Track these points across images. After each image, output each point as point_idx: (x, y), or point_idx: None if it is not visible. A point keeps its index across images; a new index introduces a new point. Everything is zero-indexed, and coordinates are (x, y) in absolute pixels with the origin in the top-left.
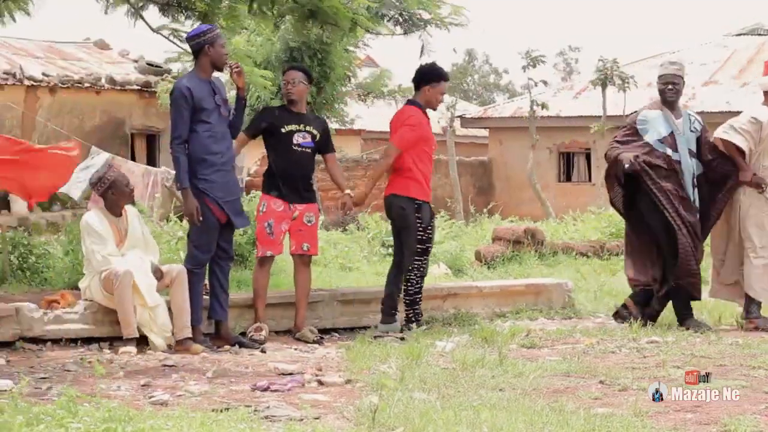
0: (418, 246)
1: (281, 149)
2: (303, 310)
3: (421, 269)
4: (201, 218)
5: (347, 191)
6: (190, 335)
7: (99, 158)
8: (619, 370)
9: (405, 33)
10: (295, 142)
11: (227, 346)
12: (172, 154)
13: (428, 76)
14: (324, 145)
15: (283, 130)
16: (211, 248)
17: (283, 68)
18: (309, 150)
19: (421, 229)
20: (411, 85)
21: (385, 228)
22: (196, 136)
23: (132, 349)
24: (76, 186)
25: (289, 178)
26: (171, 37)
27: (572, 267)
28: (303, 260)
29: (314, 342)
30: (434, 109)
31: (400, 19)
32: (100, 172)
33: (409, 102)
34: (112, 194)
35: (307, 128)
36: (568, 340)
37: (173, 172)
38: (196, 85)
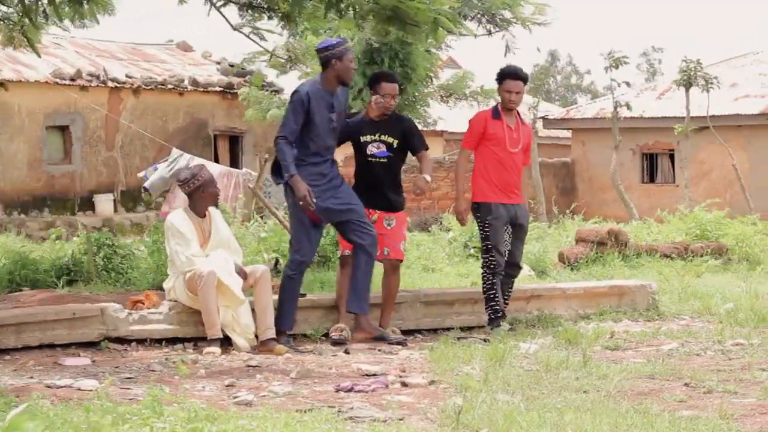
0: (482, 245)
1: (359, 158)
2: (388, 312)
3: (490, 266)
4: (314, 200)
5: (425, 175)
6: (274, 336)
7: (182, 160)
8: (704, 372)
9: (488, 33)
10: (369, 152)
11: (361, 340)
12: (276, 147)
13: (497, 78)
14: (411, 146)
15: (360, 140)
16: (309, 252)
17: (372, 75)
18: (384, 159)
19: (480, 228)
20: (493, 86)
21: (471, 229)
22: (301, 143)
23: (216, 349)
24: (156, 183)
25: (367, 186)
26: (251, 36)
27: (656, 268)
28: (391, 264)
29: (397, 343)
30: (507, 108)
31: (483, 20)
32: (193, 170)
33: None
34: (201, 194)
35: (382, 137)
36: (653, 342)
37: (254, 173)
38: (316, 93)
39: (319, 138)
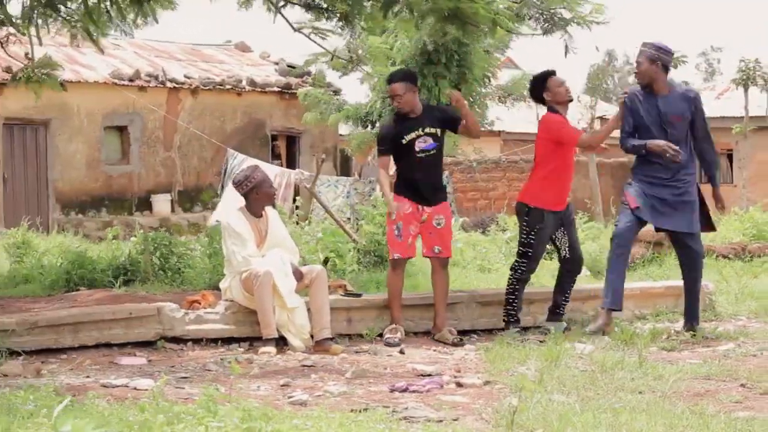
0: (519, 248)
1: (406, 158)
2: (442, 311)
3: (521, 272)
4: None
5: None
6: (330, 335)
7: (236, 160)
8: (761, 373)
9: (545, 33)
10: (417, 149)
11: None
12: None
13: (536, 89)
14: (452, 123)
15: (404, 141)
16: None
17: (389, 79)
18: (433, 152)
19: (524, 232)
20: None
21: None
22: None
23: (272, 349)
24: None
25: (419, 185)
26: (312, 36)
27: (713, 269)
28: (440, 262)
29: (453, 344)
30: (569, 100)
31: (541, 19)
32: (247, 171)
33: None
34: (256, 195)
35: (426, 130)
36: (709, 343)
37: (307, 173)
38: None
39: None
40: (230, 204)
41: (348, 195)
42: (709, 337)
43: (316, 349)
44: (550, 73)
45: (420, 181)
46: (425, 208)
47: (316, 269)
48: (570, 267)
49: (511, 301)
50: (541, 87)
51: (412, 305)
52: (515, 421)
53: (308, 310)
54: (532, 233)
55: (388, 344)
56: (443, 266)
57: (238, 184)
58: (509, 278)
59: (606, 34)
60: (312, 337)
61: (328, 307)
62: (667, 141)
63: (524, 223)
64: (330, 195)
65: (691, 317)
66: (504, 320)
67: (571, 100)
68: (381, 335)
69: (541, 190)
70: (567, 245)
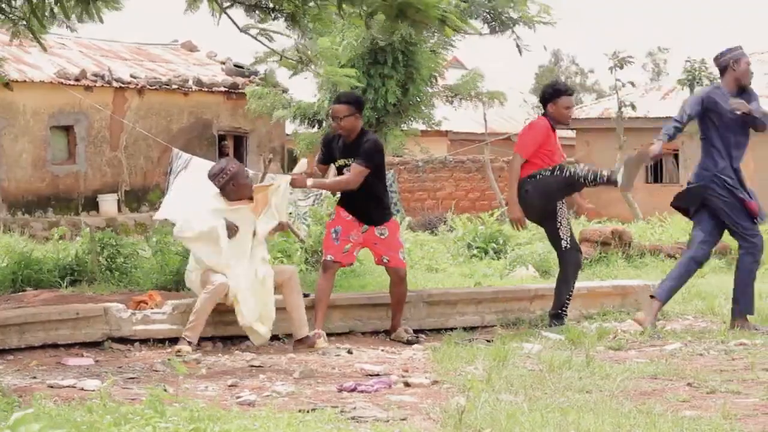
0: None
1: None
2: (398, 316)
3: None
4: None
5: (313, 180)
6: (308, 333)
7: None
8: (708, 372)
9: (492, 32)
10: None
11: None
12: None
13: (548, 95)
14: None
15: (336, 164)
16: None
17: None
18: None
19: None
20: (497, 88)
21: (474, 229)
22: (717, 140)
23: (187, 349)
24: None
25: (356, 206)
26: (259, 37)
27: (660, 269)
28: (398, 275)
29: (408, 342)
30: (566, 123)
31: (489, 18)
32: (221, 164)
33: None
34: (233, 186)
35: (350, 161)
36: (656, 343)
37: (253, 172)
38: (717, 95)
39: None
40: (173, 202)
41: (292, 192)
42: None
43: (298, 348)
44: (567, 91)
45: (357, 205)
46: (362, 223)
47: (288, 270)
48: (574, 258)
49: (569, 296)
50: (552, 97)
51: (360, 305)
52: (463, 420)
53: (284, 309)
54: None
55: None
56: (400, 280)
57: (213, 177)
58: (561, 271)
59: (553, 34)
60: (290, 336)
61: (303, 306)
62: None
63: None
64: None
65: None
66: (562, 314)
67: (567, 125)
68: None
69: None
70: (567, 234)
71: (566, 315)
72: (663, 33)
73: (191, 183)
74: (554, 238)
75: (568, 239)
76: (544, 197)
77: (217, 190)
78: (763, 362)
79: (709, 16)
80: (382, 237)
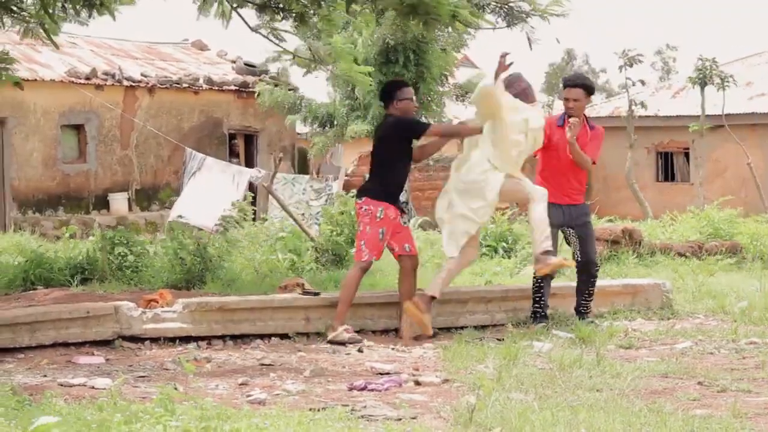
0: None
1: (405, 159)
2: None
3: None
4: None
5: None
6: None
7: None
8: (718, 371)
9: (508, 25)
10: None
11: None
12: None
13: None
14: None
15: (413, 144)
16: None
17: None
18: None
19: None
20: None
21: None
22: None
23: None
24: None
25: (401, 187)
26: (270, 37)
27: (670, 267)
28: (412, 263)
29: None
30: (568, 115)
31: (501, 12)
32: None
33: None
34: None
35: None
36: (666, 341)
37: (264, 171)
38: None
39: None
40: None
41: (304, 192)
42: None
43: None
44: (566, 82)
45: (404, 182)
46: (397, 210)
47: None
48: (579, 269)
49: (537, 298)
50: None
51: (371, 303)
52: (473, 419)
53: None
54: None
55: (352, 342)
56: (415, 267)
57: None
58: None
59: (566, 33)
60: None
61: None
62: None
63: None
64: (287, 193)
65: None
66: (531, 316)
67: (571, 116)
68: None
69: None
70: (579, 248)
71: (541, 315)
72: (671, 31)
73: (204, 183)
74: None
75: (578, 253)
76: None
77: None
78: None
79: (717, 14)
80: (405, 225)
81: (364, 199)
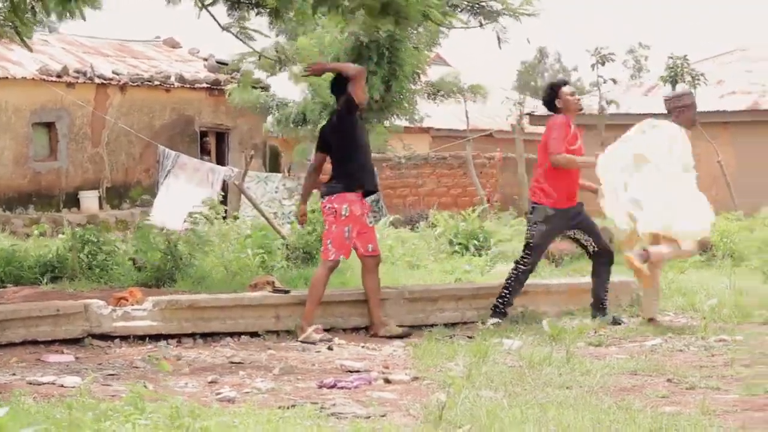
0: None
1: (363, 141)
2: (379, 308)
3: (521, 264)
4: None
5: None
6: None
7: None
8: (687, 368)
9: (480, 25)
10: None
11: None
12: None
13: (548, 94)
14: None
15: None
16: None
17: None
18: None
19: (528, 226)
20: (478, 82)
21: (456, 225)
22: None
23: None
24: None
25: (367, 170)
26: (240, 35)
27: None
28: (375, 262)
29: (400, 336)
30: (579, 109)
31: (473, 11)
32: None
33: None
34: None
35: None
36: (636, 339)
37: (236, 170)
38: None
39: None
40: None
41: (277, 191)
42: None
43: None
44: (561, 83)
45: (371, 169)
46: (365, 206)
47: None
48: (603, 258)
49: (504, 294)
50: (553, 94)
51: (341, 301)
52: (443, 417)
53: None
54: (533, 227)
55: (323, 342)
56: (377, 265)
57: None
58: (510, 271)
59: (537, 32)
60: None
61: None
62: None
63: (528, 218)
64: (259, 192)
65: None
66: (491, 309)
67: (581, 110)
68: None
69: (543, 188)
70: (591, 240)
71: (606, 306)
72: (644, 30)
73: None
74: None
75: (591, 244)
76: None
77: None
78: (742, 358)
79: (689, 13)
80: (371, 225)
81: (327, 198)
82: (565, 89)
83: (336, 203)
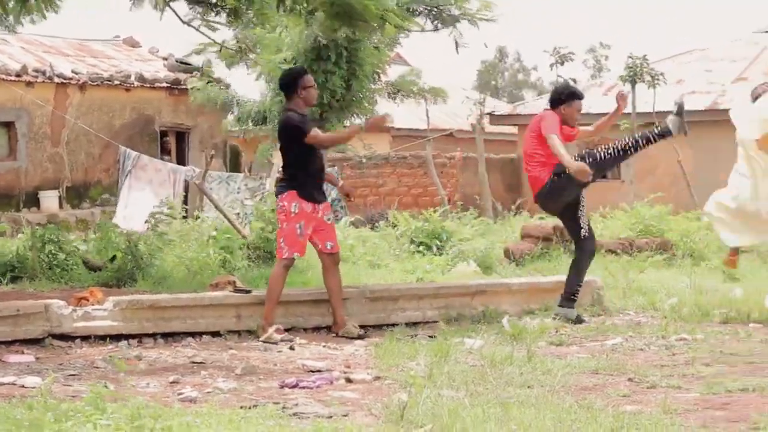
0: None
1: (310, 154)
2: (341, 307)
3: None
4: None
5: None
6: None
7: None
8: (648, 367)
9: (436, 29)
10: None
11: None
12: None
13: (564, 96)
14: None
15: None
16: None
17: (294, 71)
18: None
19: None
20: (439, 82)
21: (414, 225)
22: None
23: None
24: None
25: (317, 181)
26: (202, 28)
27: (601, 264)
28: (333, 260)
29: (359, 337)
30: (572, 126)
31: (431, 15)
32: None
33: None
34: None
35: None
36: (597, 338)
37: (198, 170)
38: None
39: None
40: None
41: (239, 191)
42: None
43: None
44: (581, 95)
45: (320, 177)
46: (318, 205)
47: None
48: (589, 248)
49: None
50: (568, 98)
51: (302, 301)
52: (405, 416)
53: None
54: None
55: (284, 342)
56: (336, 263)
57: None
58: (578, 258)
59: (497, 31)
60: None
61: None
62: None
63: (555, 195)
64: (222, 192)
65: None
66: (572, 299)
67: (573, 127)
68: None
69: (541, 163)
70: (587, 223)
71: (576, 300)
72: (604, 30)
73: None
74: (574, 226)
75: (587, 227)
76: (572, 184)
77: None
78: (702, 357)
79: (650, 13)
80: (329, 222)
81: (279, 196)
82: (578, 104)
83: (286, 201)
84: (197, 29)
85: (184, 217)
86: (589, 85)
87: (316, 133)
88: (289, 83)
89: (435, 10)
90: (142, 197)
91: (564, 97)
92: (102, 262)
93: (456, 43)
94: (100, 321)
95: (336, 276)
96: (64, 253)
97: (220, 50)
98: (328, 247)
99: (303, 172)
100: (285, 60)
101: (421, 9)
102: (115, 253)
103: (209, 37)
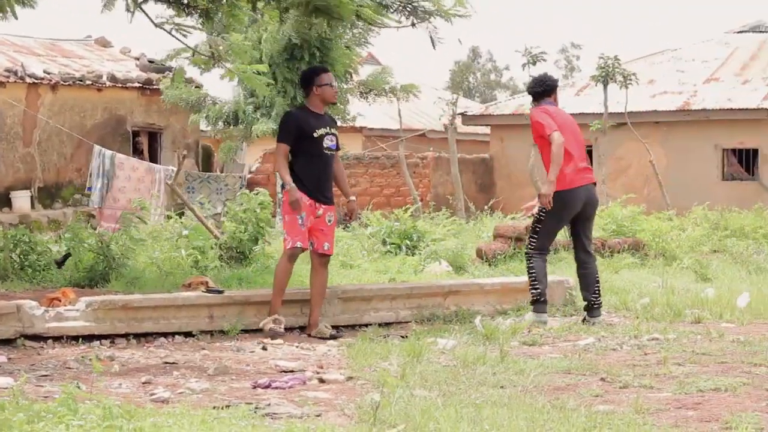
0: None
1: (311, 154)
2: (318, 309)
3: (528, 247)
4: None
5: (352, 197)
6: None
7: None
8: (621, 367)
9: (412, 25)
10: (325, 145)
11: None
12: None
13: (548, 87)
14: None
15: (315, 135)
16: None
17: (309, 70)
18: (335, 152)
19: (539, 210)
20: (411, 82)
21: (386, 225)
22: None
23: None
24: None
25: (322, 182)
26: (174, 32)
27: (574, 264)
28: (323, 261)
29: (331, 337)
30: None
31: (405, 11)
32: None
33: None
34: None
35: (332, 130)
36: (569, 338)
37: (173, 169)
38: None
39: None
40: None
41: (219, 192)
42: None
43: None
44: (557, 82)
45: (323, 178)
46: (321, 204)
47: None
48: (593, 261)
49: (532, 282)
50: (551, 89)
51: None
52: (377, 416)
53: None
54: (543, 209)
55: (274, 334)
56: (325, 265)
57: None
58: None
59: (470, 31)
60: None
61: None
62: None
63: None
64: (204, 191)
65: None
66: (530, 302)
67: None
68: (245, 331)
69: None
70: (590, 238)
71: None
72: (576, 30)
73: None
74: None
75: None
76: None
77: None
78: (675, 357)
79: (621, 13)
80: (330, 224)
81: (283, 191)
82: (556, 92)
83: (287, 195)
84: (169, 33)
85: (169, 217)
86: (562, 85)
87: (279, 150)
88: (306, 81)
89: (409, 5)
90: (117, 196)
91: (548, 88)
92: (61, 256)
93: (431, 38)
94: (73, 321)
95: (322, 277)
96: (36, 254)
97: (193, 55)
98: (325, 248)
99: (301, 168)
100: (260, 61)
101: (396, 5)
102: (69, 251)
103: (182, 42)
